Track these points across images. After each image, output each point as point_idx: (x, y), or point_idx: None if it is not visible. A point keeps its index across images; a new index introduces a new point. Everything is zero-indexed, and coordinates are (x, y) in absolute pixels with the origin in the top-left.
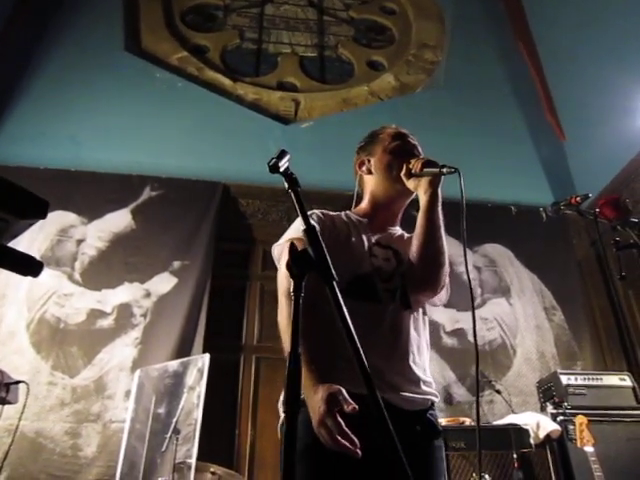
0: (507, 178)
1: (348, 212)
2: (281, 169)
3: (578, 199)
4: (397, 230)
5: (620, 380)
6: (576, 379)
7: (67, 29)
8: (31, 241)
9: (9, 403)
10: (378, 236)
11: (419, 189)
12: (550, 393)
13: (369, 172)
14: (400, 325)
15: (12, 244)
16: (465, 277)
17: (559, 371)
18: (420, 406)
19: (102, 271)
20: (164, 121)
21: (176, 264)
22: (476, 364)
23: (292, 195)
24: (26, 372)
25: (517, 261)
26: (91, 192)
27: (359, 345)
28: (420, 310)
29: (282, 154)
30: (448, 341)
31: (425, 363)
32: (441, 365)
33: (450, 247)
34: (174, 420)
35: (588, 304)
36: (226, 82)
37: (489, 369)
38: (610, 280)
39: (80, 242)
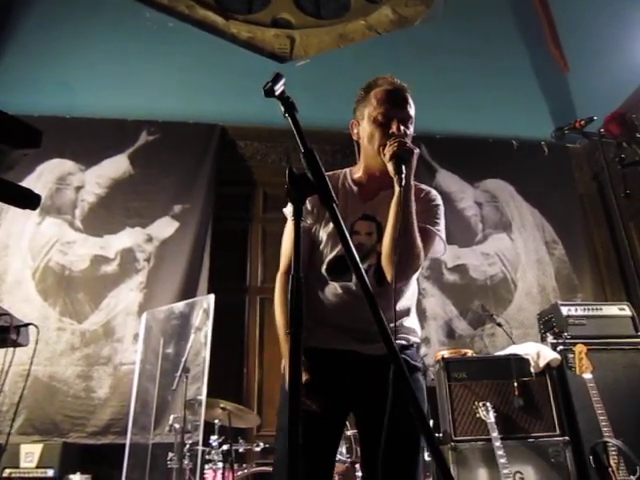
0: (508, 112)
1: (347, 172)
2: (277, 93)
3: (582, 122)
4: (390, 190)
5: (619, 310)
6: (576, 310)
7: None
8: None
9: (20, 345)
10: (366, 206)
11: (393, 175)
12: (550, 324)
13: (359, 137)
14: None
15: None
16: (466, 213)
17: (559, 302)
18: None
19: (103, 217)
20: (157, 63)
21: (177, 208)
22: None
23: (289, 119)
24: (35, 319)
25: (518, 196)
26: (87, 139)
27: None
28: None
29: (277, 77)
30: (450, 277)
31: (401, 318)
32: (443, 300)
33: (452, 183)
34: (183, 359)
35: (589, 237)
36: (218, 20)
37: (490, 303)
38: (612, 213)
39: (79, 189)
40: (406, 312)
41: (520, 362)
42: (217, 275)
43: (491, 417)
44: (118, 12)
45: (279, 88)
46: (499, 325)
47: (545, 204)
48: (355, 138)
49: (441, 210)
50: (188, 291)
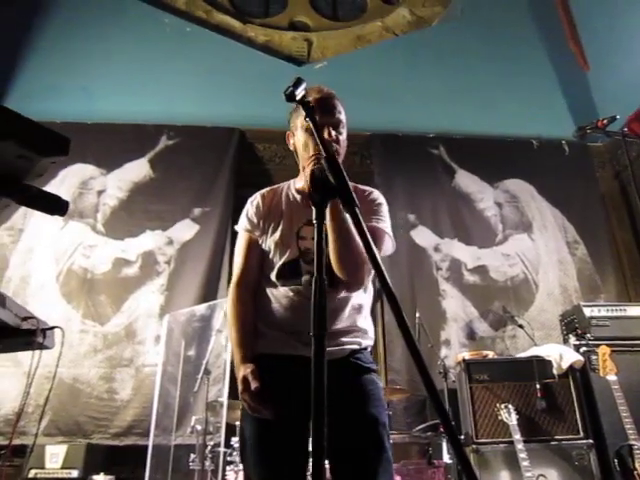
0: (528, 111)
1: (290, 184)
2: (298, 97)
3: (605, 121)
4: None
5: None
6: (599, 311)
7: None
8: None
9: (46, 348)
10: (310, 211)
11: None
12: (573, 325)
13: (295, 147)
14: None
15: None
16: (486, 213)
17: (582, 303)
18: (337, 355)
19: (124, 220)
20: (175, 68)
21: (196, 211)
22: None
23: (310, 123)
24: (58, 321)
25: (539, 196)
26: (108, 143)
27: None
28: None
29: (298, 82)
30: (470, 278)
31: (351, 319)
32: (463, 302)
33: (471, 183)
34: (204, 362)
35: (611, 237)
36: (236, 24)
37: (511, 304)
38: (635, 212)
39: (101, 193)
40: (358, 309)
41: (542, 364)
42: None
43: (513, 419)
44: (137, 18)
45: (300, 92)
46: (520, 326)
47: (566, 204)
48: (292, 149)
49: (385, 209)
50: (209, 293)
